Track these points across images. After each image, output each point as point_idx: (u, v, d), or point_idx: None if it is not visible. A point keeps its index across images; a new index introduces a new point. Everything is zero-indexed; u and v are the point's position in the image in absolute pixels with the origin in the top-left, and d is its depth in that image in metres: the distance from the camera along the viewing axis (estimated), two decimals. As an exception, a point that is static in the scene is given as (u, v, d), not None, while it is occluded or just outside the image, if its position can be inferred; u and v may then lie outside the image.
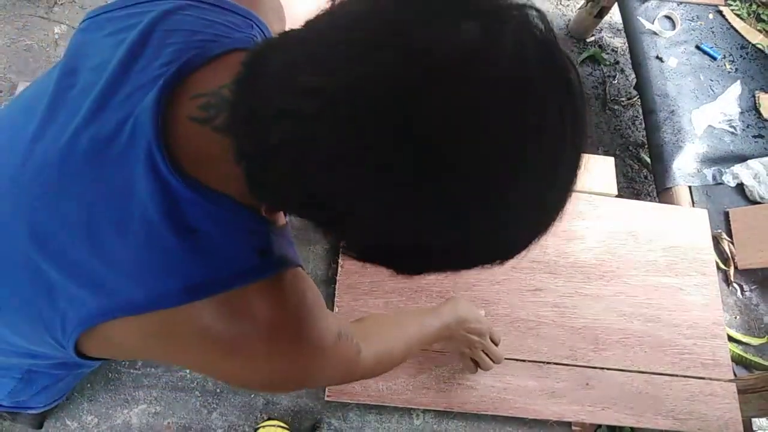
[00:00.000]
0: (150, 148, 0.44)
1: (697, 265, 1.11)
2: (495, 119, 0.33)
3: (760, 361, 1.33)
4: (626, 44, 2.28)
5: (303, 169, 0.37)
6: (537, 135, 0.35)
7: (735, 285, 1.44)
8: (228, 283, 0.46)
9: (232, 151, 0.41)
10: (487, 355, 0.88)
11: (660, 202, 1.66)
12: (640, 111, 1.95)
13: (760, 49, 1.83)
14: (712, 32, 1.85)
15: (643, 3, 1.87)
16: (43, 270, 0.47)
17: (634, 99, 2.34)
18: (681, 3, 1.88)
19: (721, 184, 1.59)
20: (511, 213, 0.37)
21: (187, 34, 0.51)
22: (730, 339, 1.37)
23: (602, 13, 2.27)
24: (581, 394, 0.97)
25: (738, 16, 1.89)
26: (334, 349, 0.56)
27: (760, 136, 1.69)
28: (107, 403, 0.87)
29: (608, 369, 1.00)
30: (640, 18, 1.84)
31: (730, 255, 1.47)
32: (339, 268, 0.96)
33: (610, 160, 1.20)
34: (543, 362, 0.98)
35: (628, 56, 2.33)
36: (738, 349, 1.35)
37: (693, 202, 1.56)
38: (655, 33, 1.81)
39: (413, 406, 0.93)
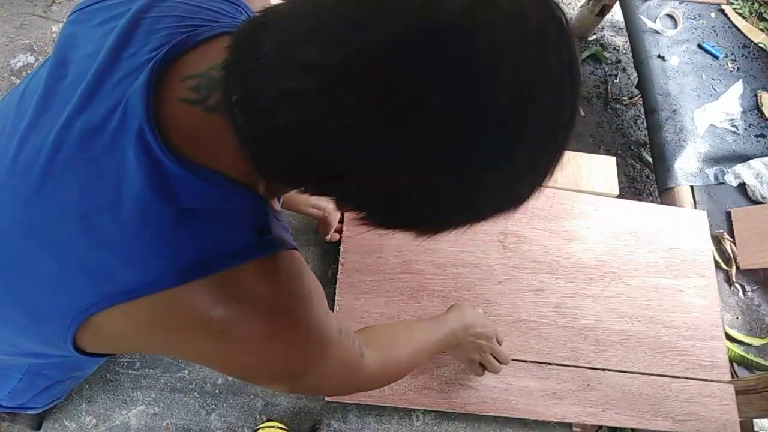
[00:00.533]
0: (141, 129, 0.44)
1: (696, 266, 1.11)
2: (506, 67, 0.34)
3: (762, 361, 1.33)
4: (628, 43, 2.27)
5: (315, 146, 0.36)
6: (545, 77, 0.35)
7: (737, 285, 1.44)
8: (224, 262, 0.45)
9: (231, 134, 0.41)
10: (494, 357, 0.87)
11: (662, 201, 1.66)
12: (642, 110, 1.94)
13: (762, 48, 1.82)
14: (714, 31, 1.84)
15: (645, 1, 1.87)
16: (39, 260, 0.47)
17: (636, 98, 2.34)
18: (683, 1, 1.87)
19: (723, 183, 1.58)
20: (522, 157, 0.37)
21: (176, 19, 0.51)
22: (732, 339, 1.37)
23: (604, 11, 2.26)
24: (582, 396, 0.97)
25: (740, 14, 1.88)
26: (335, 342, 0.54)
27: (762, 136, 1.68)
28: (106, 404, 0.87)
29: (609, 370, 0.99)
30: (641, 16, 1.83)
31: (731, 255, 1.46)
32: (339, 266, 0.95)
33: (612, 159, 1.19)
34: (544, 363, 0.97)
35: (629, 55, 2.32)
36: (739, 350, 1.34)
37: (695, 202, 1.55)
38: (656, 32, 1.80)
39: (414, 407, 0.93)
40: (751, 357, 1.33)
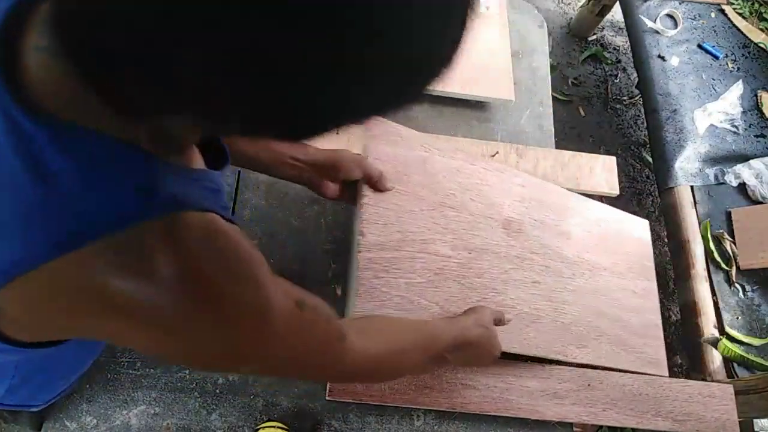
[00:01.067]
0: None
1: (645, 271, 1.15)
2: None
3: (762, 361, 1.33)
4: (628, 43, 2.27)
5: (160, 72, 0.32)
6: None
7: (737, 285, 1.44)
8: (100, 228, 0.40)
9: (75, 74, 0.36)
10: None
11: (662, 201, 1.66)
12: (642, 110, 1.95)
13: (762, 48, 1.83)
14: (714, 31, 1.85)
15: (645, 2, 1.87)
16: None
17: (636, 98, 2.34)
18: (683, 2, 1.87)
19: (723, 183, 1.59)
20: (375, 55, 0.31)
21: None
22: (732, 339, 1.37)
23: (604, 11, 2.27)
24: (583, 395, 0.97)
25: (740, 14, 1.88)
26: (288, 317, 0.49)
27: (763, 136, 1.68)
28: (106, 404, 0.87)
29: (586, 366, 1.00)
30: (641, 16, 1.83)
31: (732, 255, 1.46)
32: (359, 237, 0.83)
33: (612, 159, 1.19)
34: (542, 359, 0.97)
35: (630, 55, 2.32)
36: (740, 350, 1.35)
37: (695, 202, 1.56)
38: (657, 32, 1.80)
39: (415, 407, 0.93)
40: (751, 357, 1.33)
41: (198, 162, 0.52)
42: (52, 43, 0.38)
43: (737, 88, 1.73)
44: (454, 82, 1.16)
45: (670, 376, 1.07)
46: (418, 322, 0.76)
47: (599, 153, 1.22)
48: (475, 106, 1.20)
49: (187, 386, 0.89)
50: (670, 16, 1.86)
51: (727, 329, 1.39)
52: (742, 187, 1.58)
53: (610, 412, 0.97)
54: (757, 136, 1.69)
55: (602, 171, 1.17)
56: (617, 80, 2.41)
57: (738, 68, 1.79)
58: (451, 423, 0.95)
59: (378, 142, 0.90)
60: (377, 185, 0.85)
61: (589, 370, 0.99)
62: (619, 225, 1.15)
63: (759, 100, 1.73)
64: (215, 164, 0.57)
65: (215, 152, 0.60)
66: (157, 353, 0.51)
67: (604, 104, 2.34)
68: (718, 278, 1.45)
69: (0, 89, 0.39)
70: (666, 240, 2.06)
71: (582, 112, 2.30)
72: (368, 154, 0.88)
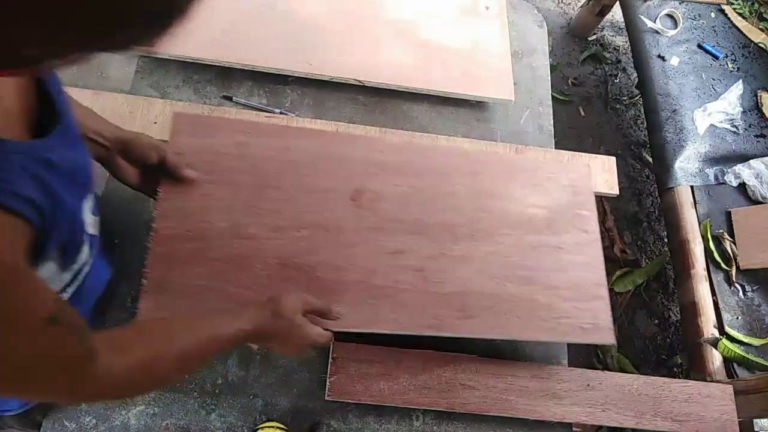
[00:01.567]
0: None
1: (578, 221, 1.00)
2: None
3: (762, 361, 1.33)
4: (628, 43, 2.27)
5: None
6: None
7: (737, 285, 1.44)
8: None
9: None
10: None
11: (662, 201, 1.66)
12: (642, 110, 1.95)
13: (762, 48, 1.83)
14: (714, 31, 1.84)
15: (645, 2, 1.87)
16: None
17: (636, 98, 2.34)
18: (683, 2, 1.87)
19: (723, 183, 1.59)
20: None
21: None
22: (732, 339, 1.37)
23: (604, 11, 2.27)
24: (582, 396, 0.97)
25: (740, 14, 1.88)
26: (34, 332, 0.44)
27: (763, 136, 1.68)
28: (105, 404, 0.87)
29: (475, 338, 0.91)
30: (641, 16, 1.83)
31: (731, 255, 1.46)
32: (152, 234, 0.83)
33: (612, 159, 1.19)
34: (404, 334, 0.87)
35: (629, 55, 2.32)
36: (739, 350, 1.35)
37: (695, 202, 1.56)
38: (657, 32, 1.80)
39: (414, 407, 0.92)
40: (751, 357, 1.33)
41: (14, 131, 0.46)
42: None
43: (737, 88, 1.73)
44: (454, 82, 1.16)
45: (671, 376, 1.06)
46: (196, 320, 0.68)
47: (599, 153, 1.21)
48: (475, 106, 1.20)
49: (186, 386, 0.89)
50: (670, 16, 1.86)
51: (727, 329, 1.38)
52: (742, 187, 1.58)
53: (609, 412, 0.97)
54: (757, 136, 1.69)
55: (602, 171, 1.17)
56: (617, 80, 2.41)
57: (738, 68, 1.78)
58: (450, 423, 0.94)
59: (182, 136, 0.90)
60: (175, 173, 0.84)
61: (588, 370, 0.99)
62: (540, 173, 1.03)
63: (759, 100, 1.73)
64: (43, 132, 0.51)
65: (42, 117, 0.53)
66: None
67: (604, 104, 2.34)
68: (718, 278, 1.45)
69: None
70: (666, 240, 2.06)
71: (582, 112, 2.30)
72: (171, 149, 0.86)
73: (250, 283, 0.85)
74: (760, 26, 1.87)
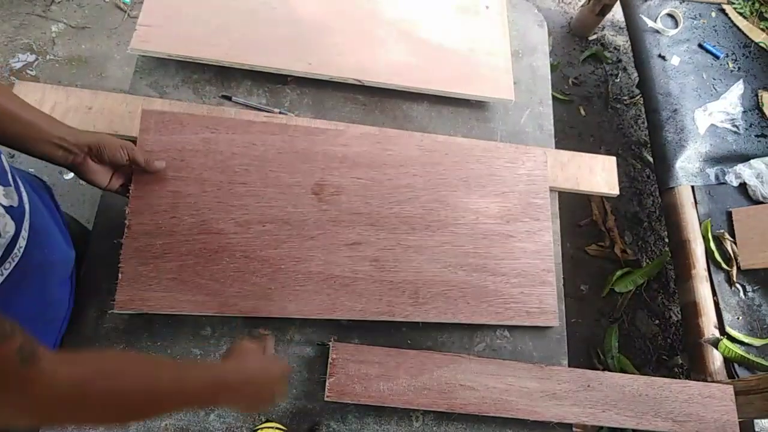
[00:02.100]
0: None
1: (530, 210, 1.05)
2: None
3: (762, 362, 1.33)
4: (628, 42, 2.27)
5: None
6: None
7: (737, 285, 1.44)
8: None
9: None
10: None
11: (662, 201, 1.65)
12: (643, 110, 1.94)
13: (762, 48, 1.82)
14: (715, 31, 1.84)
15: (646, 1, 1.86)
16: None
17: (637, 98, 2.34)
18: (683, 1, 1.87)
19: (723, 183, 1.58)
20: None
21: None
22: (732, 339, 1.37)
23: (604, 11, 2.27)
24: (582, 396, 0.96)
25: (740, 14, 1.88)
26: None
27: (763, 136, 1.68)
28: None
29: (425, 327, 0.97)
30: (642, 16, 1.83)
31: (732, 255, 1.46)
32: (126, 230, 0.88)
33: (612, 159, 1.19)
34: (361, 321, 0.93)
35: (630, 55, 2.32)
36: (740, 350, 1.34)
37: (695, 202, 1.55)
38: (657, 31, 1.80)
39: (414, 407, 0.92)
40: (751, 357, 1.33)
41: None
42: None
43: (738, 88, 1.73)
44: (454, 82, 1.16)
45: (671, 376, 1.06)
46: (164, 358, 0.65)
47: (599, 153, 1.21)
48: (475, 105, 1.20)
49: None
50: (670, 15, 1.85)
51: (728, 329, 1.38)
52: (743, 187, 1.57)
53: (609, 412, 0.96)
54: (757, 136, 1.68)
55: (602, 171, 1.16)
56: (618, 80, 2.41)
57: (738, 68, 1.78)
58: (450, 424, 0.94)
59: (149, 134, 0.94)
60: (146, 168, 0.86)
61: (588, 371, 0.99)
62: (498, 162, 1.07)
63: (759, 100, 1.73)
64: None
65: None
66: None
67: (605, 104, 2.34)
68: (719, 278, 1.45)
69: None
70: (667, 240, 2.05)
71: (582, 112, 2.29)
72: (140, 147, 0.91)
73: (219, 276, 0.90)
74: (761, 26, 1.87)
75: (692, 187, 1.57)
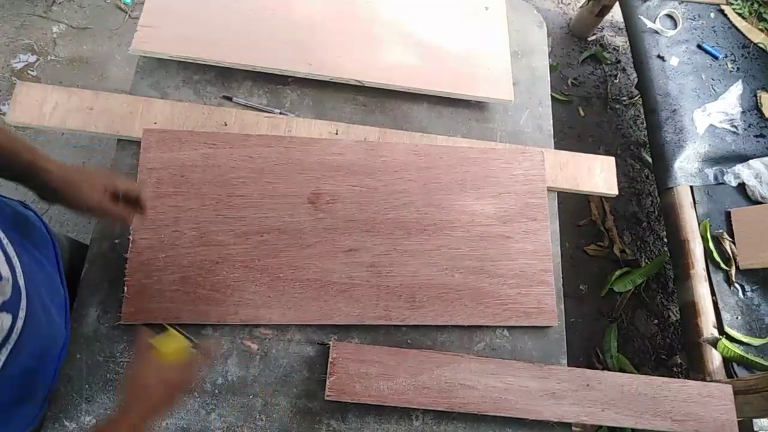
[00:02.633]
0: None
1: (528, 210, 1.05)
2: None
3: (761, 361, 1.33)
4: (628, 43, 2.27)
5: None
6: None
7: (736, 285, 1.44)
8: None
9: None
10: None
11: (661, 201, 1.66)
12: (642, 110, 1.95)
13: (761, 48, 1.82)
14: (714, 31, 1.84)
15: (645, 2, 1.87)
16: None
17: (636, 98, 2.34)
18: (682, 2, 1.87)
19: (722, 183, 1.59)
20: None
21: None
22: (732, 339, 1.37)
23: (603, 12, 2.27)
24: (581, 395, 0.97)
25: (739, 15, 1.88)
26: None
27: (762, 136, 1.68)
28: (105, 404, 0.87)
29: (425, 326, 0.98)
30: (641, 17, 1.83)
31: (731, 255, 1.46)
32: (130, 245, 0.92)
33: (611, 159, 1.19)
34: (357, 325, 0.95)
35: (629, 55, 2.32)
36: (739, 350, 1.35)
37: (694, 202, 1.56)
38: (656, 32, 1.80)
39: (414, 407, 0.93)
40: (750, 357, 1.33)
41: None
42: None
43: (737, 88, 1.73)
44: (454, 82, 1.16)
45: (670, 376, 1.06)
46: None
47: (599, 153, 1.21)
48: (475, 106, 1.20)
49: (185, 386, 0.90)
50: (669, 16, 1.86)
51: (727, 329, 1.39)
52: (742, 187, 1.58)
53: (608, 412, 0.97)
54: (756, 136, 1.69)
55: (601, 171, 1.17)
56: (617, 80, 2.41)
57: (737, 68, 1.78)
58: (450, 423, 0.95)
59: (151, 152, 0.98)
60: (137, 201, 0.79)
61: (588, 370, 0.99)
62: (494, 163, 1.08)
63: (758, 100, 1.73)
64: None
65: None
66: None
67: (604, 104, 2.34)
68: (718, 278, 1.45)
69: None
70: (666, 240, 2.06)
71: (581, 112, 2.30)
72: (143, 165, 0.96)
73: (219, 286, 0.93)
74: (760, 26, 1.87)
75: (691, 187, 1.58)
